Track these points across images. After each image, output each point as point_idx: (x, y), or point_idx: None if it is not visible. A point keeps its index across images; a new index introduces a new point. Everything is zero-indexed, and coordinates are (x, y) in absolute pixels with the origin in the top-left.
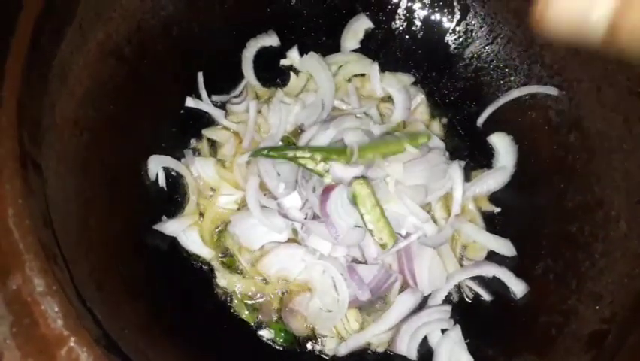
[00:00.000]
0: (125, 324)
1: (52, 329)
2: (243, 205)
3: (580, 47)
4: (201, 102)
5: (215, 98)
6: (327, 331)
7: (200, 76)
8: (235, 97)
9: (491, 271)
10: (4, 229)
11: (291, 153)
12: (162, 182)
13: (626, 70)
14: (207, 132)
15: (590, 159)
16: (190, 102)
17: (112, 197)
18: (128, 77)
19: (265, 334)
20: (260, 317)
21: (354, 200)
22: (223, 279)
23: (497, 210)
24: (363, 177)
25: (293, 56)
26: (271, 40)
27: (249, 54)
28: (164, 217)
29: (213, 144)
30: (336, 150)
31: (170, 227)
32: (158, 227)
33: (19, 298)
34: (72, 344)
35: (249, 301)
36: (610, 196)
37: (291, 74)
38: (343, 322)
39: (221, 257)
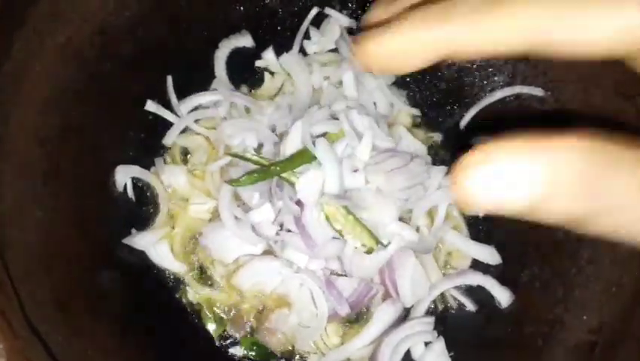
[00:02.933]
0: (88, 345)
1: None
2: (215, 215)
3: None
4: (162, 108)
5: (185, 101)
6: (307, 347)
7: (169, 80)
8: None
9: (475, 280)
10: None
11: (265, 173)
12: (130, 193)
13: (612, 70)
14: (177, 139)
15: None
16: (150, 106)
17: (77, 211)
18: (91, 81)
19: (237, 351)
20: (231, 332)
21: (326, 219)
22: (195, 294)
23: (480, 215)
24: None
25: (268, 57)
26: (245, 40)
27: (221, 55)
28: (133, 230)
29: (186, 151)
30: (296, 156)
31: (139, 241)
32: (127, 241)
33: None
34: None
35: (223, 316)
36: None
37: (265, 75)
38: (323, 336)
39: (194, 271)
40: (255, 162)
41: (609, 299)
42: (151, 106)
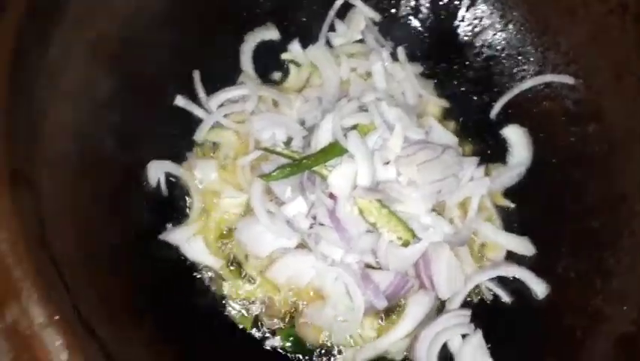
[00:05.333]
0: (130, 341)
1: None
2: (247, 209)
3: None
4: (191, 103)
5: (214, 96)
6: (343, 340)
7: (196, 75)
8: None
9: (511, 271)
10: None
11: (296, 167)
12: (164, 188)
13: None
14: (207, 134)
15: (610, 151)
16: (180, 101)
17: (112, 207)
18: (123, 78)
19: (274, 343)
20: (267, 324)
21: (360, 212)
22: (230, 287)
23: (512, 206)
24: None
25: (294, 49)
26: (270, 33)
27: (247, 48)
28: (169, 225)
29: (216, 145)
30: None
31: (175, 236)
32: (163, 237)
33: (18, 332)
34: None
35: (257, 308)
36: (633, 190)
37: (291, 67)
38: (359, 329)
39: (229, 265)
40: (287, 156)
41: None
42: (180, 101)
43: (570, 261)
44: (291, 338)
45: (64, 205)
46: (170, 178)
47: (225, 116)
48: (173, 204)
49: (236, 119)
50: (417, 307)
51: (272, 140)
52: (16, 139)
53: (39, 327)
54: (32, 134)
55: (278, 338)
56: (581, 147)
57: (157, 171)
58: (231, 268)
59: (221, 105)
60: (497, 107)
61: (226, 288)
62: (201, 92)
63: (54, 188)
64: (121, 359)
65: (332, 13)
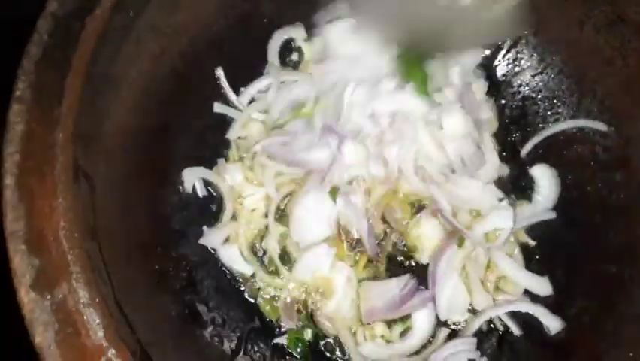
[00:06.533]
0: (157, 323)
1: (92, 340)
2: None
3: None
4: (229, 108)
5: (244, 92)
6: (343, 331)
7: (220, 71)
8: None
9: (526, 307)
10: (55, 240)
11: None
12: (200, 192)
13: None
14: (237, 131)
15: (635, 199)
16: (218, 108)
17: (153, 206)
18: (176, 88)
19: (282, 341)
20: (283, 323)
21: None
22: (263, 284)
23: (533, 243)
24: None
25: (299, 32)
26: (297, 32)
27: (275, 44)
28: (204, 228)
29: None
30: None
31: (211, 239)
32: (202, 241)
33: (64, 308)
34: (110, 356)
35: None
36: None
37: (304, 47)
38: (366, 334)
39: (262, 266)
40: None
41: None
42: (218, 107)
43: (584, 302)
44: (300, 344)
45: (114, 199)
46: (208, 187)
47: (254, 109)
48: (208, 208)
49: (263, 109)
50: (425, 318)
51: (284, 113)
52: (81, 140)
53: (83, 306)
54: (94, 134)
55: (284, 337)
56: (607, 193)
57: (192, 177)
58: (264, 267)
59: (252, 100)
60: (529, 147)
61: (259, 283)
62: (230, 93)
63: (106, 183)
64: (147, 340)
65: None
